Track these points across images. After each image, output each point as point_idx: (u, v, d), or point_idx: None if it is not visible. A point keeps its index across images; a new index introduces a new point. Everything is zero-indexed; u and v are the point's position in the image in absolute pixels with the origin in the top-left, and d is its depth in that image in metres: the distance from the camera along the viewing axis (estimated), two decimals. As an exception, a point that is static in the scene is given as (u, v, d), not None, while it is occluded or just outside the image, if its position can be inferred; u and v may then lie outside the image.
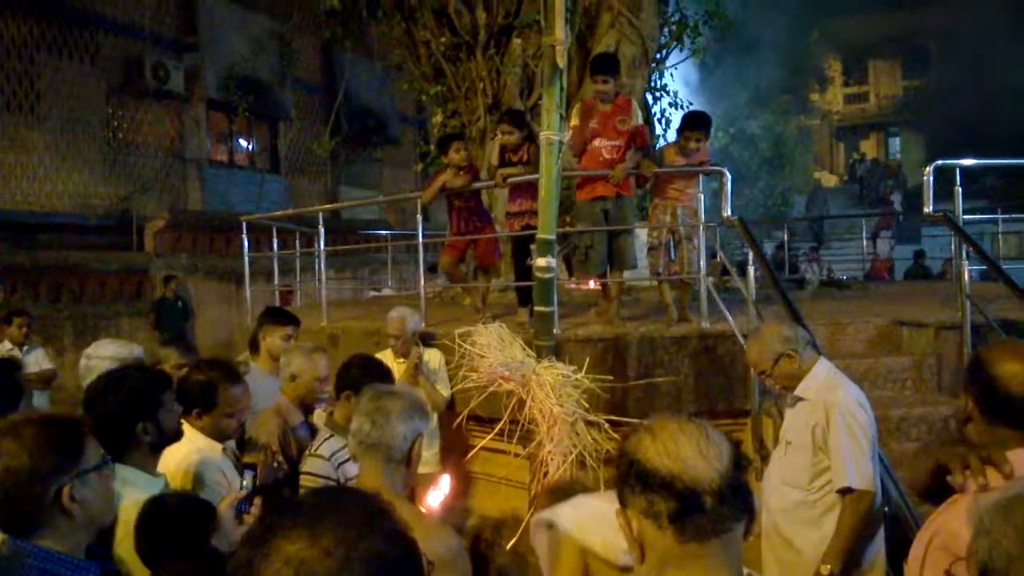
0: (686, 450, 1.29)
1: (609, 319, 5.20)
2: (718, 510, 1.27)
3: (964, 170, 5.35)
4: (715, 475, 1.27)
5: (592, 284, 5.50)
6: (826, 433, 3.07)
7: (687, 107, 10.09)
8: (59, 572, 1.74)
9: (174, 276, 11.48)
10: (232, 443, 3.05)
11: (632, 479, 1.32)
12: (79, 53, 12.48)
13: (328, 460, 3.02)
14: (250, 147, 16.30)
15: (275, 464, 3.13)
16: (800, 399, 3.23)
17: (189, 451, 2.72)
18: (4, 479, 1.72)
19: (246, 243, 8.20)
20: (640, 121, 5.42)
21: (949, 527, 1.52)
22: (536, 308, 4.53)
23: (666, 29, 8.92)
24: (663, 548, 1.30)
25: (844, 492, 3.00)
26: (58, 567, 1.74)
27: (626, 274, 6.40)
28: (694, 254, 5.30)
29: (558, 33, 4.11)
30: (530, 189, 5.63)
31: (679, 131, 5.44)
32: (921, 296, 7.54)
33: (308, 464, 3.04)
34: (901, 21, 29.57)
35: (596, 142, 5.31)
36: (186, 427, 2.70)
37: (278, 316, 4.60)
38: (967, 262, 5.10)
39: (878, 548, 3.12)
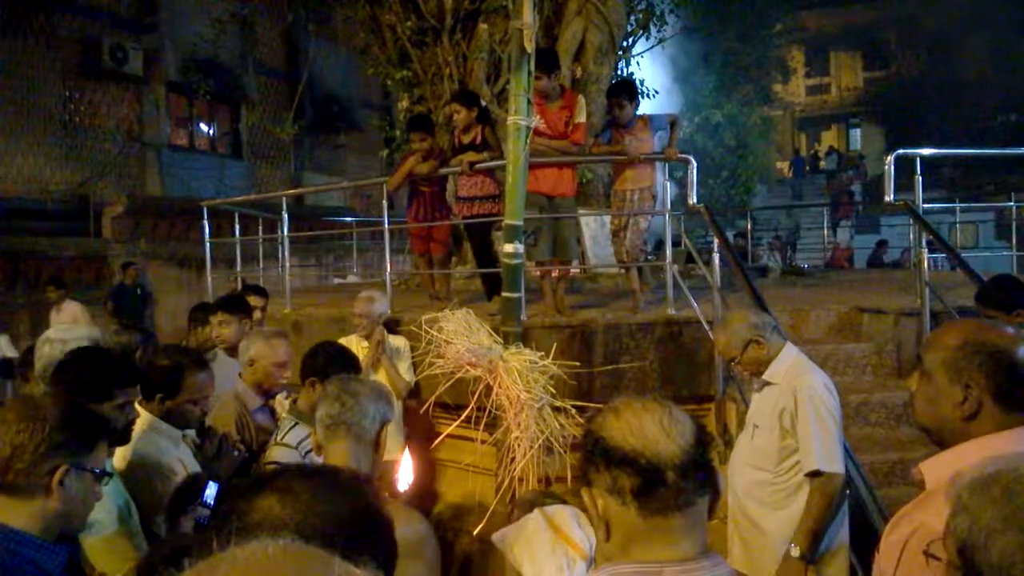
0: (649, 427, 1.33)
1: (557, 309, 5.21)
2: (680, 484, 1.30)
3: (923, 160, 5.44)
4: (677, 450, 1.30)
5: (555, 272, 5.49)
6: (794, 417, 3.10)
7: (653, 95, 10.12)
8: (28, 554, 1.73)
9: (132, 262, 11.26)
10: (192, 432, 3.00)
11: (596, 457, 1.35)
12: (34, 33, 12.15)
13: (295, 448, 2.97)
14: (211, 131, 16.03)
15: (235, 451, 3.09)
16: (767, 383, 3.26)
17: (147, 437, 2.66)
18: (20, 430, 1.74)
19: (207, 229, 8.07)
20: (582, 119, 5.34)
21: (932, 527, 1.50)
22: (503, 294, 4.51)
23: (633, 17, 8.92)
24: (628, 524, 1.33)
25: (813, 475, 3.04)
26: (27, 549, 1.73)
27: (593, 261, 6.39)
28: (636, 236, 5.33)
29: (526, 16, 4.07)
30: (481, 174, 5.59)
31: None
32: (881, 284, 7.67)
33: (274, 453, 2.98)
34: (862, 13, 29.98)
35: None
36: (145, 413, 2.65)
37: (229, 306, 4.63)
38: (926, 250, 5.20)
39: (843, 532, 3.17)
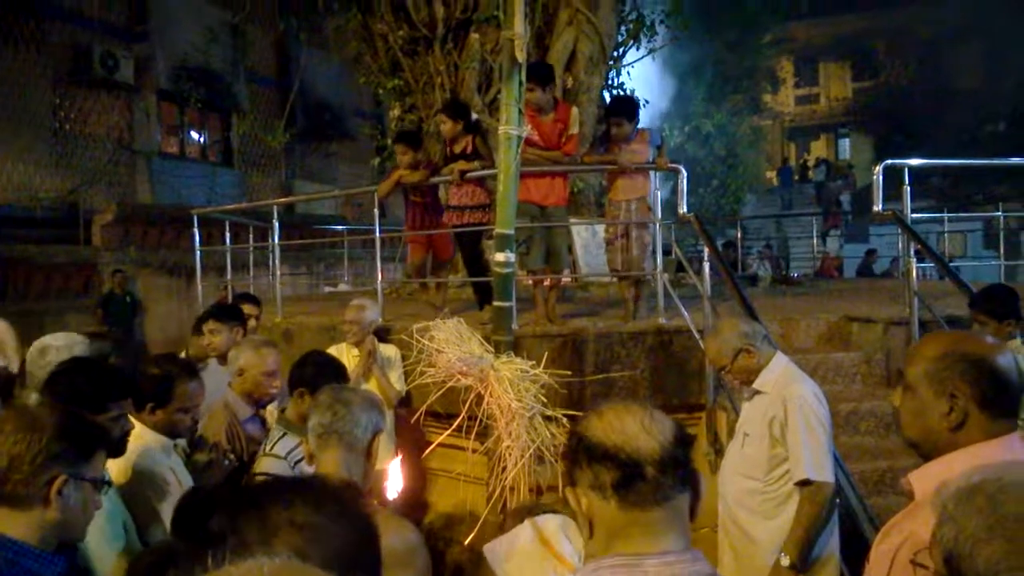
0: (629, 425, 1.39)
1: (549, 319, 5.21)
2: (659, 479, 1.35)
3: (912, 170, 5.48)
4: (656, 446, 1.36)
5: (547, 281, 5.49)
6: (784, 426, 3.11)
7: (644, 105, 10.15)
8: (26, 564, 1.72)
9: (120, 270, 11.23)
10: (183, 441, 2.99)
11: (580, 455, 1.41)
12: (25, 41, 12.11)
13: (284, 459, 2.96)
14: (202, 139, 16.00)
15: (226, 461, 3.07)
16: (758, 392, 3.27)
17: (138, 447, 2.65)
18: (17, 440, 1.74)
19: (197, 237, 8.04)
20: (575, 131, 5.36)
21: (922, 537, 1.50)
22: (495, 303, 4.51)
23: (623, 27, 8.97)
24: (609, 519, 1.37)
25: (803, 484, 3.04)
26: (25, 559, 1.73)
27: (585, 270, 6.37)
28: (643, 249, 5.34)
29: (517, 27, 4.09)
30: (471, 183, 5.61)
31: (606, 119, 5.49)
32: (870, 293, 7.71)
33: (264, 464, 2.97)
34: (851, 24, 30.20)
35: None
36: (136, 423, 2.64)
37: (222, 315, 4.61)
38: (915, 260, 5.23)
39: (833, 539, 3.18)
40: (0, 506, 1.75)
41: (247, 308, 5.09)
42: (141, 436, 2.68)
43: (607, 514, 1.37)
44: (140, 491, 2.57)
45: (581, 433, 1.43)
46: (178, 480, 2.68)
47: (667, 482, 1.36)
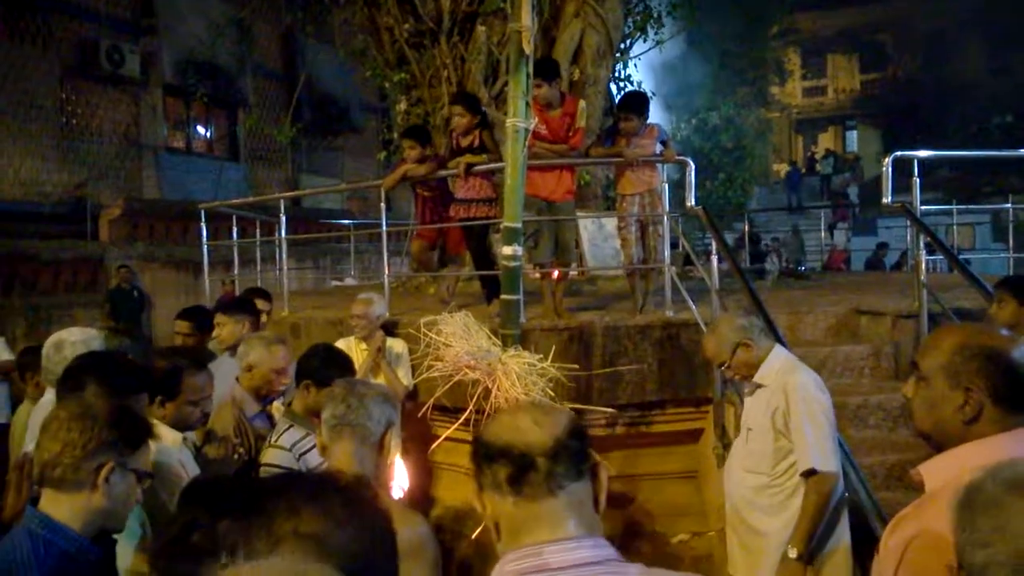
0: (521, 421, 1.42)
1: (556, 313, 5.20)
2: (551, 469, 1.37)
3: (921, 162, 5.44)
4: (547, 438, 1.39)
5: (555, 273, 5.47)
6: (787, 417, 3.08)
7: (651, 97, 10.12)
8: (62, 545, 1.77)
9: (125, 265, 11.26)
10: (192, 434, 2.99)
11: (480, 459, 1.43)
12: (31, 36, 12.14)
13: (289, 451, 2.97)
14: (208, 134, 16.03)
15: (235, 455, 3.08)
16: (759, 386, 3.25)
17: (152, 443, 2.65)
18: (71, 427, 1.80)
19: (204, 231, 8.06)
20: (582, 124, 5.35)
21: (934, 531, 1.48)
22: (502, 296, 4.51)
23: (630, 19, 8.94)
24: (509, 516, 1.39)
25: (808, 474, 3.02)
26: (63, 541, 1.77)
27: (592, 263, 6.34)
28: (659, 241, 5.32)
29: (524, 19, 4.07)
30: (477, 177, 5.60)
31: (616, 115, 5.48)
32: (879, 286, 7.67)
33: (269, 455, 2.98)
34: (858, 15, 30.04)
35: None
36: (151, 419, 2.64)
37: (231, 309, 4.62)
38: (924, 252, 5.19)
39: (843, 532, 3.14)
40: (48, 489, 1.81)
41: (259, 303, 5.10)
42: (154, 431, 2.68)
43: (507, 511, 1.39)
44: (152, 486, 2.57)
45: (478, 437, 1.46)
46: (188, 475, 2.68)
47: (560, 471, 1.37)
